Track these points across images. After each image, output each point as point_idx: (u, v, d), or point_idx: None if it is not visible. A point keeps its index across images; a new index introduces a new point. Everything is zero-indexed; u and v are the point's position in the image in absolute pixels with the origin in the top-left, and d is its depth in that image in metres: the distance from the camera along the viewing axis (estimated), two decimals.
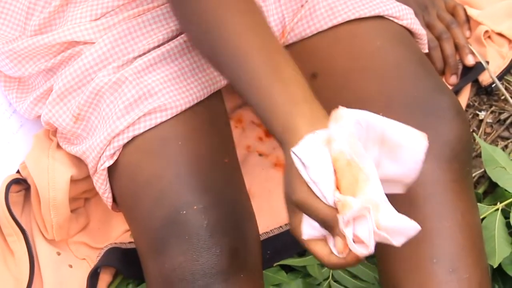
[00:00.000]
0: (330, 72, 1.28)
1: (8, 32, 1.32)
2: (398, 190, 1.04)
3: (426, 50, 1.36)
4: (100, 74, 1.23)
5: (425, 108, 1.19)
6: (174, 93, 1.20)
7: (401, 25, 1.30)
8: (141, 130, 1.19)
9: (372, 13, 1.28)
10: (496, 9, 1.63)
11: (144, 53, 1.24)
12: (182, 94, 1.20)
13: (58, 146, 1.36)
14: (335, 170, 0.96)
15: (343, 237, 0.96)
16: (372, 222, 0.96)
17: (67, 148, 1.32)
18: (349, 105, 1.19)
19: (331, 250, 0.99)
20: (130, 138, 1.19)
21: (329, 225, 0.97)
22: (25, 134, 1.45)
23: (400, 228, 0.97)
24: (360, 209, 0.95)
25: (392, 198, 1.17)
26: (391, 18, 1.29)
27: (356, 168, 0.96)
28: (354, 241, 0.96)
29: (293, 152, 0.97)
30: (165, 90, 1.20)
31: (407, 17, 1.30)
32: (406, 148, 1.00)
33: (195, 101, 1.21)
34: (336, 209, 0.96)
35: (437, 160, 1.17)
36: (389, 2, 1.30)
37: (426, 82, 1.22)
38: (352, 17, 1.28)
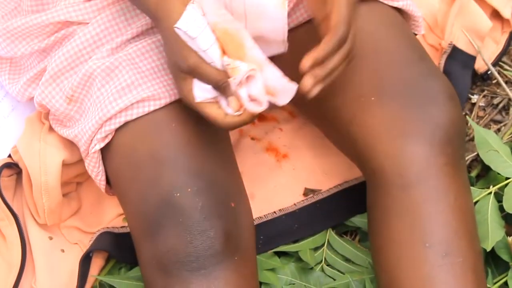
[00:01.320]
0: None
1: (1, 10, 1.31)
2: (279, 49, 1.17)
3: (423, 32, 1.35)
4: (94, 57, 1.23)
5: (418, 92, 1.19)
6: (168, 82, 1.20)
7: (395, 8, 1.29)
8: (134, 116, 1.19)
9: None
10: None
11: (137, 35, 1.24)
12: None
13: (50, 129, 1.36)
14: (217, 39, 1.09)
15: (237, 97, 1.09)
16: (261, 80, 1.09)
17: (60, 131, 1.32)
18: (342, 89, 1.19)
19: (226, 112, 1.10)
20: (122, 123, 1.19)
21: (222, 87, 1.09)
22: (17, 117, 1.45)
23: (283, 88, 1.10)
24: (248, 71, 1.08)
25: (385, 182, 1.18)
26: (385, 1, 1.28)
27: (234, 36, 1.09)
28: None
29: (178, 27, 1.07)
30: (158, 79, 1.20)
31: None
32: (268, 6, 1.12)
33: None
34: (226, 72, 1.08)
35: (429, 144, 1.17)
36: None
37: (418, 66, 1.22)
38: None
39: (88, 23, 1.26)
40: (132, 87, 1.19)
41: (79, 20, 1.26)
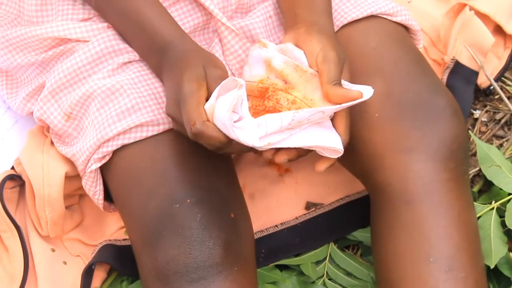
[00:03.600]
0: None
1: (1, 20, 1.32)
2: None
3: (421, 45, 1.36)
4: (94, 77, 1.24)
5: (422, 108, 1.19)
6: None
7: (395, 22, 1.30)
8: (131, 140, 1.20)
9: (365, 14, 1.28)
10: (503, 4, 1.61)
11: (134, 60, 1.25)
12: None
13: (53, 142, 1.36)
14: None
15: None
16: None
17: (59, 148, 1.33)
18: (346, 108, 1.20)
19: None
20: (119, 146, 1.20)
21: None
22: (20, 130, 1.45)
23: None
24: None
25: (389, 196, 1.18)
26: (385, 16, 1.29)
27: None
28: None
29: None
30: (159, 104, 1.21)
31: (401, 14, 1.30)
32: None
33: None
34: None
35: (433, 159, 1.17)
36: (382, 1, 1.30)
37: (422, 81, 1.22)
38: (345, 22, 1.28)
39: (87, 41, 1.26)
40: (131, 111, 1.20)
41: (78, 37, 1.26)
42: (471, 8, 1.57)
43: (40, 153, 1.35)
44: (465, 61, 1.56)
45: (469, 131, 1.54)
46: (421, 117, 1.18)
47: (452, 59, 1.55)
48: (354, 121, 1.20)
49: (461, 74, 1.55)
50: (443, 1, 1.66)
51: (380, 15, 1.29)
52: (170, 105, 1.12)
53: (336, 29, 1.27)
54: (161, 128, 1.20)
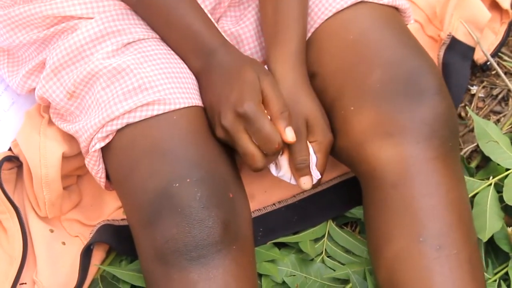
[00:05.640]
0: (322, 71, 1.28)
1: None
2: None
3: (412, 21, 1.35)
4: (98, 56, 1.23)
5: (402, 91, 1.19)
6: (175, 89, 1.21)
7: (383, 5, 1.29)
8: (136, 119, 1.19)
9: (349, 3, 1.27)
10: None
11: (139, 39, 1.25)
12: (183, 94, 1.21)
13: (50, 122, 1.36)
14: None
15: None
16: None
17: (60, 125, 1.32)
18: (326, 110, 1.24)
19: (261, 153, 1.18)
20: (124, 125, 1.20)
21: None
22: (17, 111, 1.45)
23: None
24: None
25: (377, 182, 1.19)
26: (371, 0, 1.28)
27: None
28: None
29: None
30: (165, 85, 1.21)
31: None
32: None
33: (194, 104, 1.22)
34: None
35: (416, 140, 1.17)
36: None
37: (404, 64, 1.21)
38: (330, 14, 1.28)
39: (91, 18, 1.26)
40: (138, 90, 1.20)
41: (82, 14, 1.26)
42: None
43: (37, 134, 1.35)
44: (461, 37, 1.55)
45: (466, 107, 1.54)
46: (402, 99, 1.19)
47: (448, 35, 1.54)
48: (334, 121, 1.25)
49: (457, 50, 1.54)
50: None
51: (366, 0, 1.28)
52: (230, 117, 1.17)
53: (320, 22, 1.28)
54: (167, 108, 1.19)
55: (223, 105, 1.18)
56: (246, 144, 1.17)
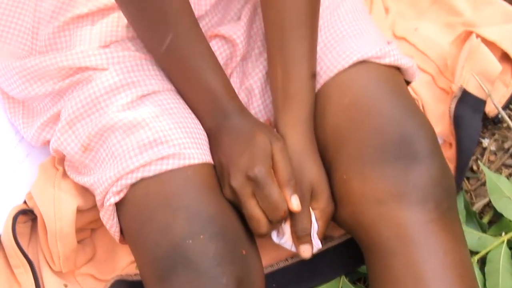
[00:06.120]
0: (318, 135, 1.29)
1: (17, 47, 1.32)
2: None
3: (416, 79, 1.35)
4: (114, 109, 1.24)
5: (395, 154, 1.20)
6: (190, 145, 1.22)
7: (385, 65, 1.29)
8: (151, 173, 1.20)
9: (350, 62, 1.27)
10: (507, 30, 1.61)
11: (153, 92, 1.26)
12: (197, 149, 1.22)
13: (64, 175, 1.36)
14: None
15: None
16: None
17: (75, 178, 1.33)
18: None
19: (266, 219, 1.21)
20: (138, 179, 1.20)
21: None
22: (32, 163, 1.45)
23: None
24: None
25: (376, 250, 1.20)
26: (373, 60, 1.28)
27: None
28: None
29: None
30: (181, 139, 1.22)
31: (389, 55, 1.29)
32: None
33: (208, 160, 1.23)
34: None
35: (408, 205, 1.18)
36: (369, 44, 1.30)
37: (399, 127, 1.22)
38: (332, 75, 1.28)
39: (105, 69, 1.27)
40: (153, 144, 1.20)
41: (97, 65, 1.27)
42: (478, 36, 1.57)
43: (51, 186, 1.35)
44: (472, 89, 1.55)
45: (479, 161, 1.54)
46: (393, 166, 1.19)
47: (459, 88, 1.55)
48: (329, 183, 1.26)
49: (468, 103, 1.54)
50: (450, 28, 1.66)
51: (368, 60, 1.28)
52: (240, 179, 1.19)
53: (322, 83, 1.29)
54: (181, 162, 1.20)
55: (233, 167, 1.19)
56: (253, 208, 1.19)
